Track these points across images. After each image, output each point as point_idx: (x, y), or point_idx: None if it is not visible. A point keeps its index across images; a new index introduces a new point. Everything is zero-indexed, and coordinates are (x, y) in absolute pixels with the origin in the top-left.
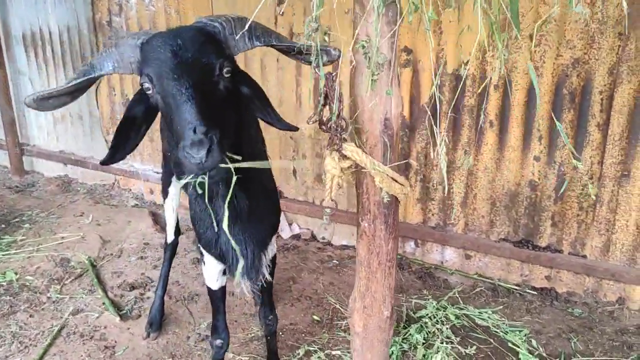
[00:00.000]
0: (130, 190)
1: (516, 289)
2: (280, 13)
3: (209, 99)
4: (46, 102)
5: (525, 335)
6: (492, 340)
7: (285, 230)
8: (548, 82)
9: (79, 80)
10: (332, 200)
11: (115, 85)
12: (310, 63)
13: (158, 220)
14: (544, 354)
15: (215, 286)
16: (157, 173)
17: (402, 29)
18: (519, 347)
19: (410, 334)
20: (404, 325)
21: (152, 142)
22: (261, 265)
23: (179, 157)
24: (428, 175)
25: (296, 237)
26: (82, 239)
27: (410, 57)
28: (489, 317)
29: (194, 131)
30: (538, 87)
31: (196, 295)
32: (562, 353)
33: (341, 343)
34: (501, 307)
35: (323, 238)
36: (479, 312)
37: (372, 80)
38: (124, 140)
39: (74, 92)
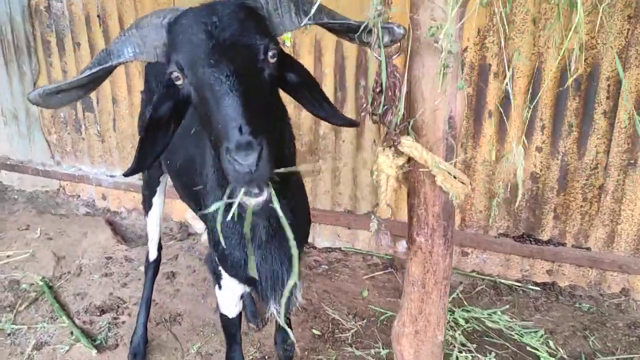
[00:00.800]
0: (79, 196)
1: (518, 286)
2: None
3: (254, 90)
4: (54, 97)
5: (541, 337)
6: (509, 345)
7: None
8: (552, 68)
9: (93, 71)
10: (387, 205)
11: (57, 76)
12: (366, 44)
13: (118, 230)
14: (565, 356)
15: (233, 313)
16: (112, 177)
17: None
18: (538, 351)
19: None
20: None
21: (103, 143)
22: (297, 286)
23: (221, 163)
24: None
25: None
26: (31, 257)
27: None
28: (499, 319)
29: (240, 131)
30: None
31: (178, 315)
32: (581, 353)
33: None
34: (507, 306)
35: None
36: (488, 314)
37: (443, 73)
38: (151, 144)
39: (87, 85)
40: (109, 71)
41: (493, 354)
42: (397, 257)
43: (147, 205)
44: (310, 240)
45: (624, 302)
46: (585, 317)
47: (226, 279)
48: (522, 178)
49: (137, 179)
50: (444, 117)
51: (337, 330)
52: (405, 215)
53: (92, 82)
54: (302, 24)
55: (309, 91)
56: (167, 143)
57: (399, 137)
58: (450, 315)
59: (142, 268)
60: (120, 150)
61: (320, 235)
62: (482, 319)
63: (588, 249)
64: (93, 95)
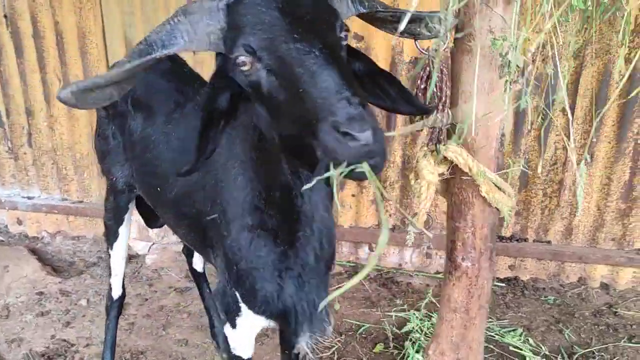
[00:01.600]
0: None
1: None
2: None
3: (346, 65)
4: (88, 95)
5: (521, 335)
6: (493, 347)
7: None
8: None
9: (134, 64)
10: (427, 214)
11: None
12: (416, 36)
13: (45, 259)
14: (547, 352)
15: (249, 353)
16: (29, 199)
17: None
18: (522, 350)
19: (409, 356)
20: (394, 346)
21: (16, 161)
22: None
23: (326, 141)
24: (384, 175)
25: None
26: None
27: (362, 44)
28: None
29: (348, 102)
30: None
31: (140, 354)
32: (560, 347)
33: None
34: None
35: None
36: None
37: (509, 88)
38: (205, 142)
39: (125, 80)
40: (150, 65)
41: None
42: (360, 264)
43: (113, 236)
44: None
45: (584, 291)
46: (554, 310)
47: (247, 316)
48: (582, 196)
49: (59, 201)
50: (497, 135)
51: (317, 350)
52: (367, 221)
53: (130, 78)
54: (356, 13)
55: (372, 81)
56: (217, 144)
57: (445, 139)
58: (428, 321)
59: (83, 302)
60: (39, 168)
61: None
62: None
63: (549, 242)
64: (0, 105)
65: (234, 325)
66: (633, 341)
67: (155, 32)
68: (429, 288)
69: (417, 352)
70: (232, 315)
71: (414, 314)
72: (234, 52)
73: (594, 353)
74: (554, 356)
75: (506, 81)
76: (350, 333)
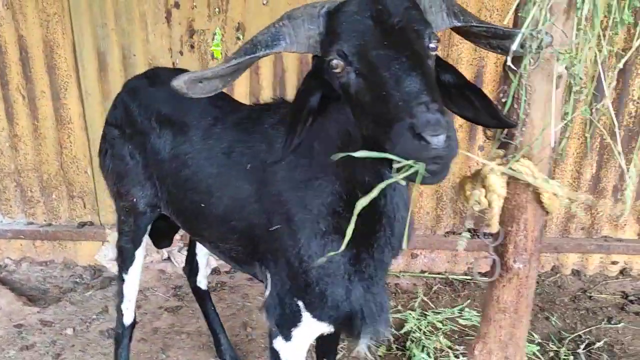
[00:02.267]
0: None
1: (469, 279)
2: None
3: (430, 73)
4: (197, 85)
5: None
6: None
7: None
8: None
9: (239, 61)
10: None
11: None
12: (506, 52)
13: (20, 289)
14: (540, 340)
15: None
16: None
17: None
18: None
19: (414, 355)
20: (397, 347)
21: None
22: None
23: (397, 139)
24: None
25: (215, 271)
26: None
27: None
28: (470, 316)
29: (427, 107)
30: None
31: None
32: (549, 334)
33: None
34: (468, 300)
35: None
36: (459, 312)
37: (573, 99)
38: (292, 137)
39: (230, 75)
40: (253, 62)
41: None
42: None
43: (129, 260)
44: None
45: (559, 279)
46: (537, 299)
47: (308, 325)
48: (631, 197)
49: (24, 225)
50: (552, 143)
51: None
52: None
53: (235, 72)
54: (451, 26)
55: (460, 92)
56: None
57: (515, 156)
58: (424, 319)
59: (69, 331)
60: (0, 192)
61: None
62: (456, 319)
63: None
64: None
65: (288, 338)
66: (612, 322)
67: (261, 33)
68: (417, 287)
69: (422, 351)
70: (287, 327)
71: (410, 314)
72: (329, 55)
73: (580, 337)
74: (546, 342)
75: (571, 92)
76: (351, 339)
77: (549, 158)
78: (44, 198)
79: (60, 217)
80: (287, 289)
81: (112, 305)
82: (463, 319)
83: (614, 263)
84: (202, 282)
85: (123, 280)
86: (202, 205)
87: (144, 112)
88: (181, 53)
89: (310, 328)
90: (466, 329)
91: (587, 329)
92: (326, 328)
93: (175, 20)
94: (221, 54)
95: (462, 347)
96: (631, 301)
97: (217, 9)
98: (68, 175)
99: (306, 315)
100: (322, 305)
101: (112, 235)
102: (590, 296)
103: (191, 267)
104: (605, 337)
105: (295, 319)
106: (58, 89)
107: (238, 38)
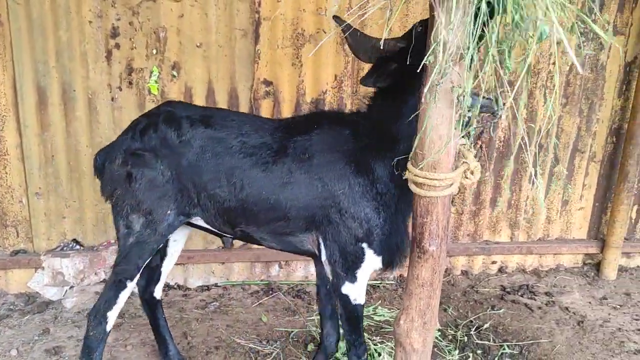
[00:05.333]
0: None
1: (379, 284)
2: None
3: None
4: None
5: None
6: None
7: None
8: None
9: None
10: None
11: None
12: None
13: None
14: (440, 327)
15: (364, 299)
16: None
17: (262, 62)
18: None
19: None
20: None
21: None
22: None
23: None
24: None
25: None
26: None
27: (271, 88)
28: (383, 313)
29: None
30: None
31: None
32: (447, 322)
33: None
34: (380, 301)
35: (176, 284)
36: (373, 310)
37: (462, 122)
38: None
39: None
40: None
41: None
42: (272, 281)
43: (137, 270)
44: (182, 282)
45: (451, 279)
46: (450, 291)
47: (369, 261)
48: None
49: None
50: (454, 153)
51: (259, 358)
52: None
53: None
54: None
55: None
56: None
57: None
58: None
59: (13, 352)
60: None
61: (192, 276)
62: (371, 316)
63: None
64: None
65: (354, 280)
66: (495, 309)
67: None
68: None
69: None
70: (352, 271)
71: None
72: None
73: (472, 322)
74: (445, 329)
75: (460, 114)
76: (283, 339)
77: (451, 170)
78: None
79: None
80: (350, 240)
81: (52, 327)
82: (377, 315)
83: (493, 263)
84: (158, 291)
85: (125, 287)
86: (268, 199)
87: (166, 159)
88: (120, 89)
89: (371, 265)
90: (380, 323)
91: (476, 316)
92: (379, 263)
93: (116, 59)
94: (157, 89)
95: (378, 337)
96: (508, 292)
97: (154, 50)
98: (2, 205)
99: (369, 253)
100: (382, 240)
101: (48, 261)
102: (477, 291)
103: (148, 276)
104: (490, 320)
105: (359, 261)
106: None
107: (173, 75)
